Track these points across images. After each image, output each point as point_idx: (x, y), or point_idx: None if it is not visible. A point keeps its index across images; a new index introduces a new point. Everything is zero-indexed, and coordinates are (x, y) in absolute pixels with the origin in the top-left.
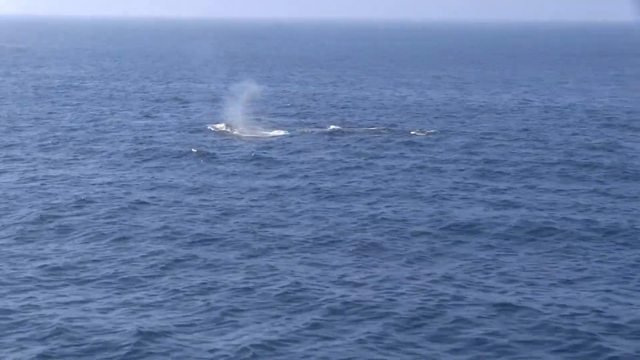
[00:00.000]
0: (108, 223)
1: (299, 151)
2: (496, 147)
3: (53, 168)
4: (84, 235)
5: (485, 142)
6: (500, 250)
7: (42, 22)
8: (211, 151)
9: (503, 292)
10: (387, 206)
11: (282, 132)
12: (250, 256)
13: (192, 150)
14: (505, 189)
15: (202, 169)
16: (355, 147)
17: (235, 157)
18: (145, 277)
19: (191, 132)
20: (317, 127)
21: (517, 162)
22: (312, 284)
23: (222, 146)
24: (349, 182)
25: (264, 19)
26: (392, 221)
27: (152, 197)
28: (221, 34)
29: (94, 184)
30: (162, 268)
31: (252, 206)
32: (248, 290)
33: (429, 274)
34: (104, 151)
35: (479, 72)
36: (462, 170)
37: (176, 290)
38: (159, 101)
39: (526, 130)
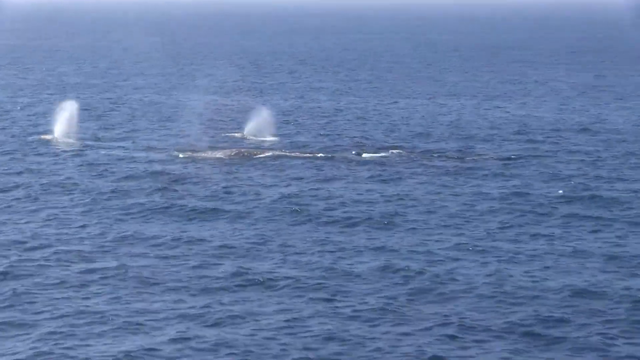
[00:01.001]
0: (51, 300)
1: (294, 179)
2: (602, 181)
3: None
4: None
5: (585, 174)
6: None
7: None
8: (183, 187)
9: None
10: (437, 262)
11: (275, 153)
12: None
13: (158, 186)
14: (617, 244)
15: (175, 211)
16: (391, 176)
17: (214, 192)
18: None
19: (152, 160)
20: (335, 150)
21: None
22: None
23: (196, 178)
24: (382, 229)
25: (257, 3)
26: (439, 281)
27: (109, 253)
28: (203, 21)
29: (21, 239)
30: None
31: (242, 263)
32: None
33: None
34: (36, 191)
35: (560, 75)
36: (553, 211)
37: None
38: (106, 117)
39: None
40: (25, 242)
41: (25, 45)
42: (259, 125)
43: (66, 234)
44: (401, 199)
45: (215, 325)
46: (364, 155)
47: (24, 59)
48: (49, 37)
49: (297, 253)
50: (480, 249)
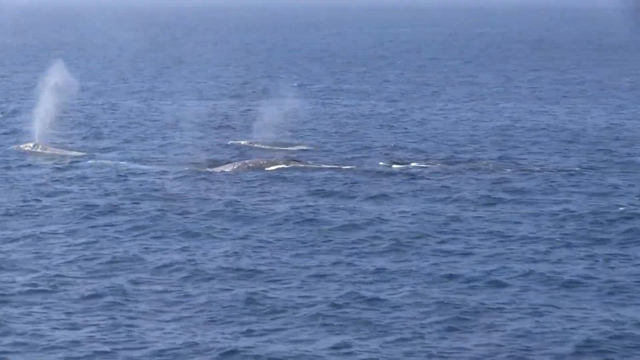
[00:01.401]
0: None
1: (313, 194)
2: None
3: None
4: None
5: None
6: None
7: None
8: (187, 204)
9: None
10: (478, 288)
11: (291, 165)
12: None
13: (158, 203)
14: None
15: (178, 231)
16: (424, 191)
17: (223, 209)
18: None
19: (150, 173)
20: (361, 161)
21: None
22: None
23: (202, 193)
24: (413, 250)
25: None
26: (481, 309)
27: (104, 278)
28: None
29: (3, 261)
30: None
31: (255, 289)
32: None
33: None
34: (21, 207)
35: (614, 74)
36: (611, 230)
37: None
38: (99, 124)
39: None
40: (7, 265)
41: (16, 44)
42: (272, 133)
43: (56, 255)
44: (436, 216)
45: (226, 358)
46: (394, 166)
47: (12, 59)
48: (42, 34)
49: (316, 276)
50: (527, 272)
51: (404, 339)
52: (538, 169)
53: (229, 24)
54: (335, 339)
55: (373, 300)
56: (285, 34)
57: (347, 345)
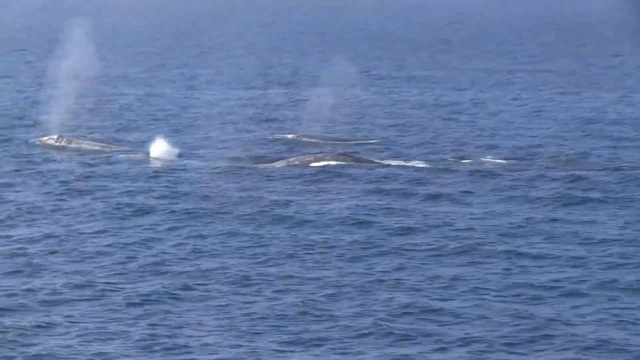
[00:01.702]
0: None
1: (368, 193)
2: None
3: None
4: None
5: None
6: None
7: None
8: (226, 204)
9: None
10: (554, 298)
11: (341, 162)
12: None
13: (193, 202)
14: None
15: (218, 233)
16: (496, 191)
17: (267, 210)
18: None
19: (185, 169)
20: (425, 156)
21: None
22: None
23: (242, 193)
24: (479, 257)
25: None
26: (555, 325)
27: (135, 283)
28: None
29: (26, 266)
30: None
31: (306, 297)
32: None
33: None
34: (47, 204)
35: None
36: None
37: None
38: (127, 116)
39: None
40: (34, 270)
41: (32, 28)
42: (326, 126)
43: (88, 258)
44: (509, 218)
45: None
46: (463, 162)
47: (38, 42)
48: (61, 17)
49: (375, 282)
50: (611, 280)
51: (472, 353)
52: (624, 165)
53: (278, 4)
54: (397, 351)
55: (438, 310)
56: (341, 15)
57: (409, 358)
